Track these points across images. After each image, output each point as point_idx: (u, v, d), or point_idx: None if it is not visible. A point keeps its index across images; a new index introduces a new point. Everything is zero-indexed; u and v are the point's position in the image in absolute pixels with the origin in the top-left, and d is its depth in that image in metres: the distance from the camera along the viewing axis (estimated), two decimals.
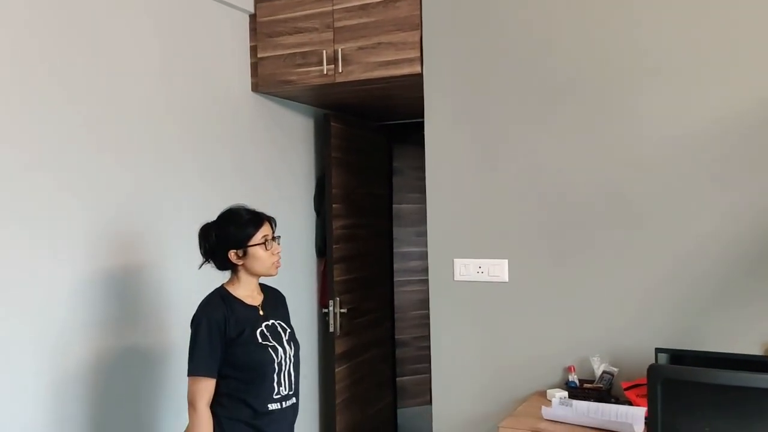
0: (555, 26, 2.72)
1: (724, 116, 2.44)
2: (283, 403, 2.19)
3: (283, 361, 2.18)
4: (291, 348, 2.24)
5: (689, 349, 2.47)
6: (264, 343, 2.16)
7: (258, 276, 2.20)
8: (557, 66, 2.72)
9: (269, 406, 2.15)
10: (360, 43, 3.13)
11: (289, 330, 2.29)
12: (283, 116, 3.72)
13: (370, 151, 4.35)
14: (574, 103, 2.69)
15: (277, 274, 2.21)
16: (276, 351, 2.17)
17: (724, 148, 2.44)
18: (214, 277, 2.24)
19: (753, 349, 2.40)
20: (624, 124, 2.60)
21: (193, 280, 2.48)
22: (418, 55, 2.99)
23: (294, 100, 3.75)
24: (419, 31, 2.99)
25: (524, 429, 2.26)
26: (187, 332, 2.12)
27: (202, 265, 2.21)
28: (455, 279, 2.93)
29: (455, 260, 2.93)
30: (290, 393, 2.22)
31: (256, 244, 2.14)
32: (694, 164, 2.49)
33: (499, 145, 2.84)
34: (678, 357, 2.32)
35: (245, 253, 2.14)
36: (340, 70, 3.16)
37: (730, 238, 2.43)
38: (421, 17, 2.99)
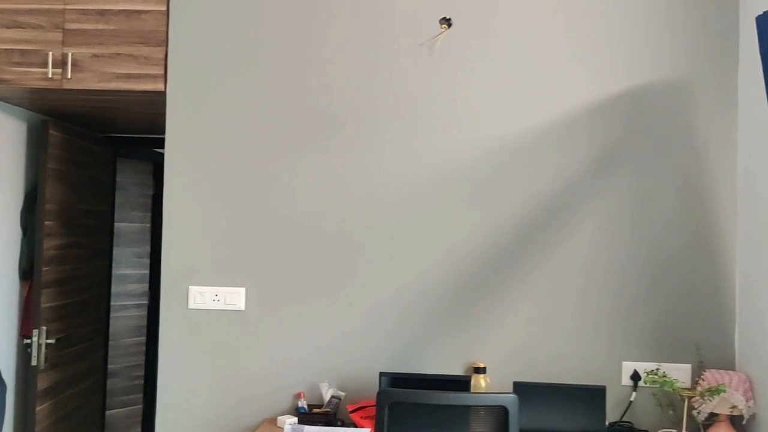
0: (305, 63, 2.85)
1: (448, 158, 2.81)
2: None
3: None
4: None
5: (407, 372, 2.75)
6: None
7: None
8: (308, 100, 2.85)
9: None
10: (96, 51, 2.89)
11: None
12: None
13: (94, 164, 4.00)
14: (323, 136, 2.84)
15: None
16: None
17: (448, 186, 2.80)
18: None
19: (456, 369, 2.77)
20: (365, 161, 2.83)
21: None
22: (162, 72, 2.88)
23: (4, 101, 3.29)
24: (165, 47, 2.88)
25: None
26: None
27: None
28: (189, 307, 2.85)
29: (190, 287, 2.85)
30: None
31: None
32: (417, 202, 2.81)
33: (243, 172, 2.86)
34: (398, 379, 2.58)
35: None
36: (69, 76, 2.87)
37: (442, 273, 2.79)
38: (167, 33, 2.89)
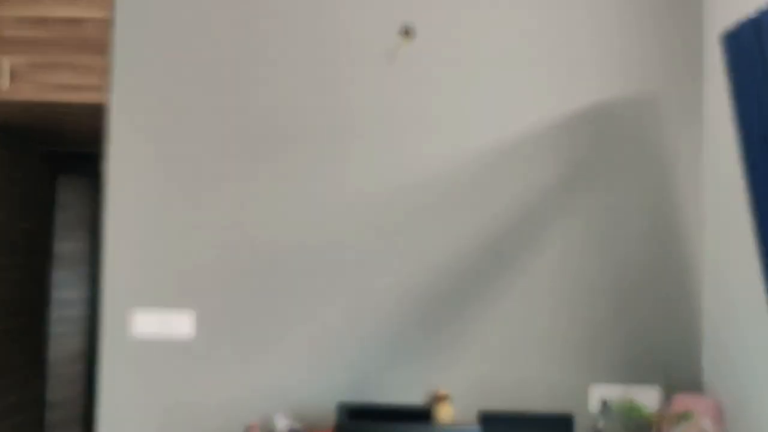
0: (257, 76, 2.71)
1: (410, 174, 2.70)
2: None
3: None
4: None
5: (366, 401, 2.61)
6: None
7: None
8: (261, 117, 2.70)
9: None
10: (34, 59, 2.70)
11: None
12: None
13: (30, 180, 3.76)
14: (274, 154, 2.70)
15: None
16: None
17: (409, 204, 2.69)
18: None
19: (417, 397, 2.64)
20: (318, 181, 2.69)
21: None
22: (104, 83, 2.70)
23: None
24: (107, 57, 2.70)
25: None
26: None
27: None
28: (133, 334, 2.65)
29: (134, 313, 2.65)
30: None
31: None
32: (377, 220, 2.68)
33: (194, 189, 2.69)
34: (356, 411, 2.43)
35: None
36: (7, 86, 2.67)
37: (402, 296, 2.66)
38: (110, 42, 2.71)
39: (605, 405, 2.61)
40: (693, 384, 2.62)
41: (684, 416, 2.34)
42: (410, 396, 2.65)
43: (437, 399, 2.56)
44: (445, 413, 2.54)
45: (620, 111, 2.71)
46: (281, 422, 2.57)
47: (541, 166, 2.70)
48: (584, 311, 2.66)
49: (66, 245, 4.76)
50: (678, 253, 2.67)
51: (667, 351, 2.64)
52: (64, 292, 4.73)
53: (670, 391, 2.61)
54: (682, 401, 2.47)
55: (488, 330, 2.66)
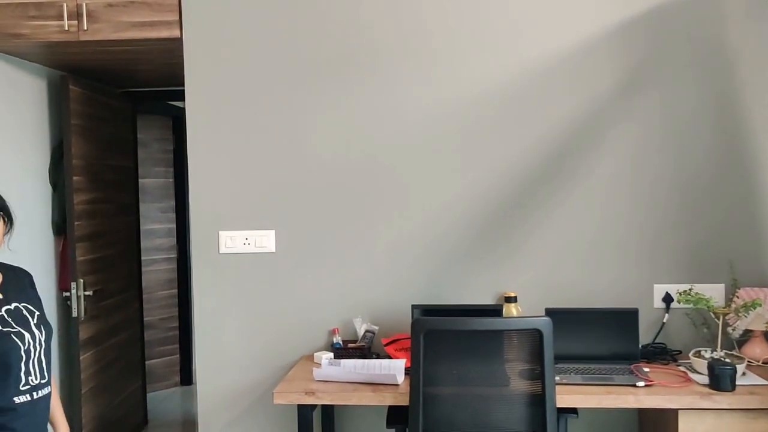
0: (322, 2, 2.80)
1: (470, 89, 2.77)
2: (34, 393, 1.96)
3: (31, 348, 1.95)
4: (41, 333, 2.01)
5: (437, 303, 2.78)
6: (5, 329, 1.91)
7: None
8: (327, 38, 2.81)
9: (15, 399, 1.91)
10: (109, 0, 2.86)
11: (38, 313, 2.05)
12: (8, 75, 3.24)
13: (114, 120, 4.01)
14: (342, 74, 2.81)
15: None
16: (22, 337, 1.93)
17: (472, 118, 2.77)
18: None
19: (488, 300, 2.79)
20: (386, 97, 2.80)
21: None
22: (177, 18, 2.85)
23: (22, 58, 3.29)
24: None
25: (298, 391, 2.33)
26: None
27: None
28: (220, 252, 2.88)
29: (220, 233, 2.88)
30: (43, 382, 2.00)
31: None
32: (441, 136, 2.78)
33: (266, 114, 2.85)
34: (429, 311, 2.60)
35: None
36: (86, 28, 2.86)
37: (468, 206, 2.78)
38: None
39: (669, 300, 2.68)
40: (759, 280, 2.66)
41: (752, 304, 2.38)
42: (481, 299, 2.80)
43: (506, 300, 2.70)
44: (513, 313, 2.68)
45: (678, 10, 2.66)
46: (360, 326, 2.79)
47: (598, 73, 2.70)
48: (646, 214, 2.71)
49: (149, 181, 5.07)
50: (742, 154, 2.66)
51: (731, 247, 2.67)
52: (150, 224, 5.08)
53: (735, 287, 2.66)
54: (748, 293, 2.52)
55: (552, 235, 2.75)
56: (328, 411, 2.80)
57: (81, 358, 3.49)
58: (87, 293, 3.51)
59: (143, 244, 4.97)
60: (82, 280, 3.48)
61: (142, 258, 4.94)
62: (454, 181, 2.79)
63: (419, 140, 2.79)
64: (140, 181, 4.95)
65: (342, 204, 2.84)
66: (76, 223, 3.45)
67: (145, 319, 4.92)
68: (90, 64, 3.43)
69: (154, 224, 5.09)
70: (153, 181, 5.10)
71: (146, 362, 4.89)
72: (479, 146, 2.77)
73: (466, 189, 2.78)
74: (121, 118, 4.13)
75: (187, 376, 5.31)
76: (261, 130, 2.86)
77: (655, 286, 2.71)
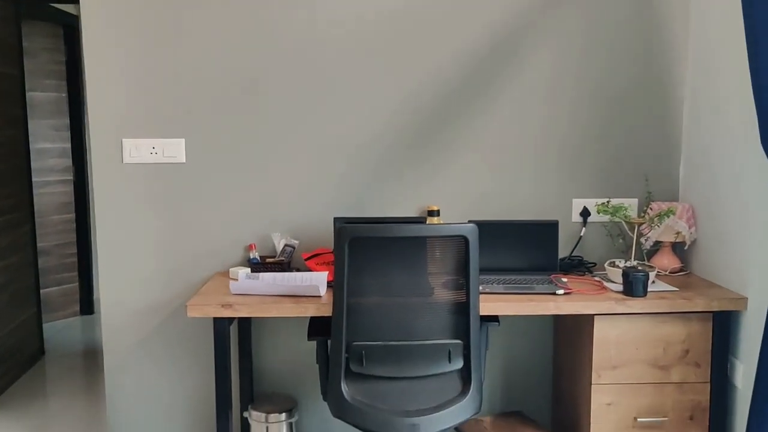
0: None
1: (388, 3, 2.63)
2: None
3: None
4: None
5: (360, 216, 2.70)
6: None
7: None
8: None
9: None
10: None
11: None
12: None
13: None
14: None
15: None
16: None
17: (394, 25, 2.64)
18: None
19: (410, 213, 2.74)
20: (301, 5, 2.61)
21: None
22: None
23: None
24: None
25: (214, 305, 2.21)
26: None
27: None
28: (124, 162, 2.65)
29: (124, 140, 2.64)
30: None
31: None
32: (361, 43, 2.64)
33: (174, 12, 2.59)
34: (352, 223, 2.51)
35: None
36: None
37: (390, 118, 2.68)
38: None
39: (586, 214, 2.74)
40: (669, 194, 2.75)
41: (667, 212, 2.46)
42: (404, 213, 2.74)
43: (429, 213, 2.66)
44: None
45: None
46: (279, 241, 2.67)
47: None
48: (565, 130, 2.71)
49: (39, 94, 4.62)
50: (660, 64, 2.70)
51: (646, 163, 2.74)
52: (42, 143, 4.66)
53: (648, 201, 2.74)
54: (660, 206, 2.60)
55: (474, 149, 2.72)
56: (244, 325, 2.70)
57: None
58: None
59: (34, 164, 4.57)
60: None
61: (34, 179, 4.55)
62: (372, 93, 2.67)
63: (334, 52, 2.64)
64: (28, 94, 4.50)
65: (255, 115, 2.66)
66: None
67: (39, 244, 4.57)
68: None
69: (46, 143, 4.68)
70: (44, 95, 4.65)
71: (42, 290, 4.58)
72: (398, 58, 2.65)
73: (386, 103, 2.68)
74: (4, 22, 3.68)
75: (87, 306, 5.02)
76: (168, 31, 2.60)
77: (574, 200, 2.75)
